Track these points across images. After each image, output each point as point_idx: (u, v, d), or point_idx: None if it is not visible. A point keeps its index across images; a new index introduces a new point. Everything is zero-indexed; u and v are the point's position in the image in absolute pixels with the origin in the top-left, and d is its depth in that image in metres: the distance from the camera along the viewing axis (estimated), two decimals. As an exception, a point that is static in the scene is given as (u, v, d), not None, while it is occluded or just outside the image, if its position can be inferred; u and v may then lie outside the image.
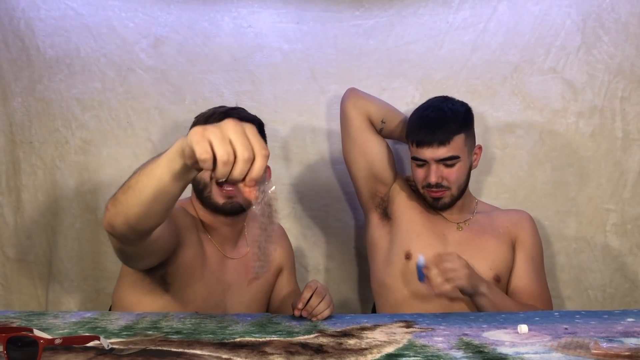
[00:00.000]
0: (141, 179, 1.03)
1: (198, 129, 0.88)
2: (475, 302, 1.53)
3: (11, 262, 1.97)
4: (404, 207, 1.75)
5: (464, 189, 1.67)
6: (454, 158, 1.61)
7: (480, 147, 1.71)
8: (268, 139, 1.92)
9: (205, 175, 1.45)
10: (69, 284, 1.98)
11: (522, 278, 1.64)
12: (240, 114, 1.49)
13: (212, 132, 0.87)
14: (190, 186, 1.52)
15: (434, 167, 1.61)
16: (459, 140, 1.61)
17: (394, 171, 1.79)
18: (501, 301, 1.53)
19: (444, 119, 1.61)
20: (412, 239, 1.68)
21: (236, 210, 1.50)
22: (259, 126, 1.52)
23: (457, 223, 1.71)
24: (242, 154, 0.86)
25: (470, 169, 1.68)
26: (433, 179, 1.62)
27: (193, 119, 1.55)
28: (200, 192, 1.49)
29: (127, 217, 1.09)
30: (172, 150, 0.97)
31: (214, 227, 1.53)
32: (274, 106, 1.99)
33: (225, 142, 0.86)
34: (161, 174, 1.00)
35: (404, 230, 1.71)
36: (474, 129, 1.68)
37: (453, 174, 1.62)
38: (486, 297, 1.51)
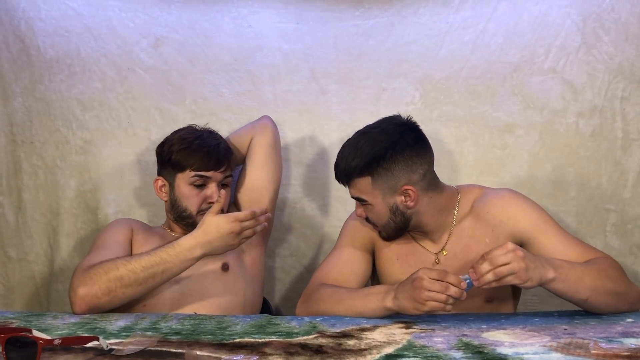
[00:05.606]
0: (156, 277, 1.44)
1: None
2: (549, 290, 1.29)
3: (12, 262, 1.97)
4: (387, 259, 1.62)
5: (400, 225, 1.51)
6: (362, 201, 1.50)
7: (412, 190, 1.45)
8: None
9: (191, 209, 1.66)
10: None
11: (558, 252, 1.41)
12: (209, 142, 1.67)
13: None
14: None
15: (356, 202, 1.54)
16: (362, 183, 1.47)
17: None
18: (575, 274, 1.29)
19: (341, 163, 1.50)
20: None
21: None
22: (226, 149, 1.70)
23: (436, 254, 1.55)
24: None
25: (395, 209, 1.48)
26: (356, 213, 1.55)
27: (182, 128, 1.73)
28: (185, 218, 1.67)
29: (128, 298, 1.44)
30: (186, 252, 1.45)
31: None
32: (274, 106, 1.99)
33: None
34: (179, 270, 1.46)
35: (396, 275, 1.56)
36: (400, 165, 1.45)
37: (369, 215, 1.52)
38: (558, 281, 1.26)
